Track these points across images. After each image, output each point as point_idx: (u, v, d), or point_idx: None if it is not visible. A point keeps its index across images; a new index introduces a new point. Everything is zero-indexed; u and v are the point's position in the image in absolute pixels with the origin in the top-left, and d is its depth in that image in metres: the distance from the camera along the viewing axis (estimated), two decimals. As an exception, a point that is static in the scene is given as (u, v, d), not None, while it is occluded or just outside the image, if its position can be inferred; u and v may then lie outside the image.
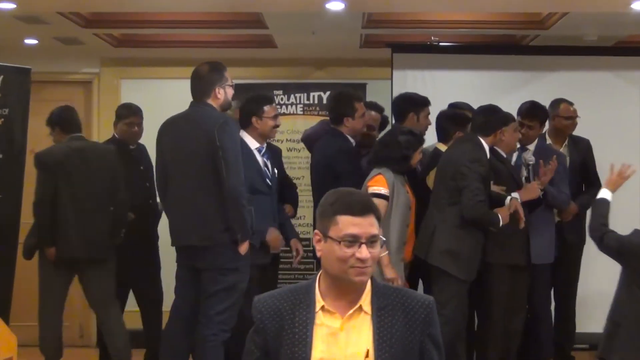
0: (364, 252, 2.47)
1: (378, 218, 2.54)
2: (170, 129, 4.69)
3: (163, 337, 4.87)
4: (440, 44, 6.43)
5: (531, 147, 5.34)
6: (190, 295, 4.65)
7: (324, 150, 5.15)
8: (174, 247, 4.76)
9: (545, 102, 5.57)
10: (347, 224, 2.48)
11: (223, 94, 4.63)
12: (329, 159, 5.05)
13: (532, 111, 5.36)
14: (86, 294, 5.35)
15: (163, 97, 6.01)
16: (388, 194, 4.59)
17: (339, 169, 4.96)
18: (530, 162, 5.08)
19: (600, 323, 4.25)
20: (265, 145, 4.93)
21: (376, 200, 4.40)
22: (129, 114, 5.65)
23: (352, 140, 5.19)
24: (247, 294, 4.43)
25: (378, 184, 4.60)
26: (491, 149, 4.88)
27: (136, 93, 6.50)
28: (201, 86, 4.63)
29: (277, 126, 4.95)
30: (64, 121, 5.34)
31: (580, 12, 5.64)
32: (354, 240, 2.48)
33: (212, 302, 4.51)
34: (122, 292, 5.55)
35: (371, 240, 2.50)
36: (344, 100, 5.18)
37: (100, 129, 6.99)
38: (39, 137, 6.01)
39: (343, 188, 2.60)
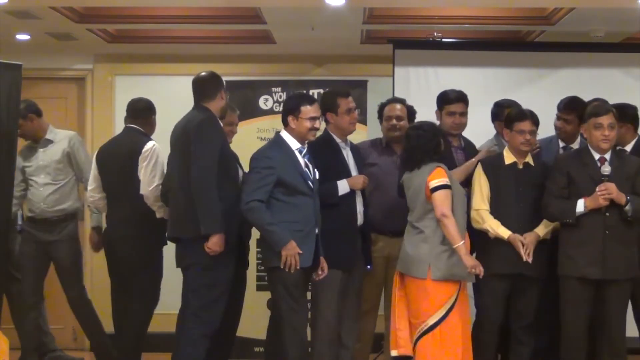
0: None
1: None
2: (174, 131, 4.92)
3: None
4: (443, 40, 6.34)
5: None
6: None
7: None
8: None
9: (550, 100, 5.45)
10: None
11: (225, 97, 4.88)
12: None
13: (569, 105, 5.23)
14: None
15: (158, 94, 5.88)
16: (450, 184, 4.68)
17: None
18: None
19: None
20: (305, 146, 4.79)
21: (443, 192, 4.59)
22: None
23: (336, 137, 5.02)
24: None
25: (439, 176, 4.67)
26: (584, 149, 4.84)
27: (130, 90, 6.39)
28: (206, 89, 4.83)
29: (314, 129, 4.76)
30: None
31: (587, 7, 5.57)
32: None
33: (192, 297, 4.69)
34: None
35: None
36: (327, 96, 5.15)
37: (94, 126, 6.89)
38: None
39: None
